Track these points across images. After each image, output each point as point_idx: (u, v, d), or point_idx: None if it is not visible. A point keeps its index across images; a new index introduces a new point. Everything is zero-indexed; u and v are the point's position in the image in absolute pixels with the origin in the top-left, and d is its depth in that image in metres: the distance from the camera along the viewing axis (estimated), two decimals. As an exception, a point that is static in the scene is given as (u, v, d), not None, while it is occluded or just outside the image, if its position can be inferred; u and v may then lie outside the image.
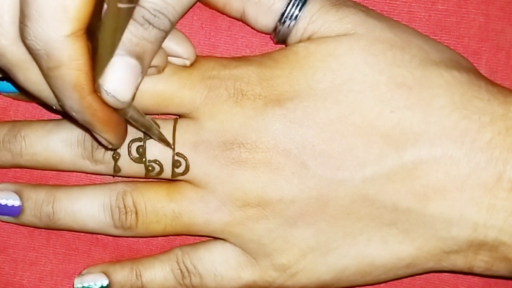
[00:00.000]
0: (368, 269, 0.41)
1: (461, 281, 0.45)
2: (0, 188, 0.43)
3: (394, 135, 0.39)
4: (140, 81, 0.37)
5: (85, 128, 0.38)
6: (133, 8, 0.36)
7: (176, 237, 0.44)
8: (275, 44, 0.42)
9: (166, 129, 0.41)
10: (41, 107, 0.44)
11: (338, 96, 0.39)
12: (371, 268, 0.41)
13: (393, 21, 0.41)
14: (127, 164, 0.41)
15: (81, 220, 0.42)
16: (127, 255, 0.44)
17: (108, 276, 0.43)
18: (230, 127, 0.40)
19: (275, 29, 0.41)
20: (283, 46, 0.42)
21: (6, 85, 0.42)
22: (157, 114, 0.42)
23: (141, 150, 0.41)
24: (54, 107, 0.38)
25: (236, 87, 0.40)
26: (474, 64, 0.42)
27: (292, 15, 0.40)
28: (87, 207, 0.42)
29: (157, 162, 0.41)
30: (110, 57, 0.36)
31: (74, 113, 0.36)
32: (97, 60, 0.35)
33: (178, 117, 0.41)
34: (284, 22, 0.40)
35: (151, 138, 0.40)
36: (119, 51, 0.36)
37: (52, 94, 0.36)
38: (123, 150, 0.41)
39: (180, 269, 0.42)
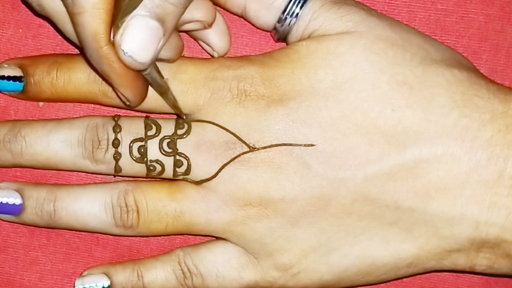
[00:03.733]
0: (370, 269, 0.41)
1: (462, 280, 0.45)
2: (1, 187, 0.43)
3: (395, 134, 0.39)
4: (162, 44, 0.37)
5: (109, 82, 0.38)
6: None
7: (177, 237, 0.44)
8: (276, 42, 0.42)
9: (167, 129, 0.41)
10: (41, 108, 0.44)
11: (339, 95, 0.39)
12: (373, 268, 0.41)
13: (393, 20, 0.41)
14: (128, 164, 0.41)
15: (82, 219, 0.42)
16: (128, 255, 0.44)
17: (109, 277, 0.42)
18: (232, 127, 0.40)
19: (276, 26, 0.41)
20: (284, 44, 0.42)
21: (6, 84, 0.42)
22: (159, 113, 0.42)
23: (142, 150, 0.41)
24: None
25: (240, 88, 0.40)
26: (474, 64, 0.42)
27: (293, 13, 0.40)
28: (89, 206, 0.42)
29: (159, 162, 0.41)
30: (131, 12, 0.36)
31: (93, 63, 0.37)
32: (117, 12, 0.36)
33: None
34: (285, 19, 0.40)
35: (164, 99, 0.40)
36: (139, 11, 0.36)
37: None
38: (124, 150, 0.41)
39: (182, 270, 0.42)
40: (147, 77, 0.39)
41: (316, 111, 0.39)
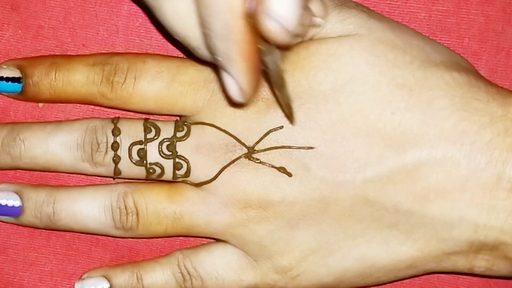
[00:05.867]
0: (369, 271, 0.41)
1: (461, 281, 0.45)
2: (0, 189, 0.43)
3: (394, 137, 0.39)
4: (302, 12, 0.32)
5: (217, 70, 0.35)
6: None
7: (177, 238, 0.44)
8: (276, 45, 0.42)
9: (167, 132, 0.41)
10: (40, 109, 0.44)
11: (339, 98, 0.39)
12: (372, 270, 0.41)
13: (394, 22, 0.41)
14: (127, 167, 0.41)
15: (82, 221, 0.42)
16: (127, 256, 0.44)
17: (109, 280, 0.43)
18: (232, 130, 0.40)
19: (276, 29, 0.40)
20: (284, 47, 0.42)
21: (5, 85, 0.42)
22: (158, 115, 0.42)
23: (141, 153, 0.41)
24: (200, 51, 0.35)
25: None
26: (474, 65, 0.42)
27: (293, 16, 0.40)
28: (88, 208, 0.42)
29: (158, 165, 0.41)
30: None
31: (217, 41, 0.33)
32: None
33: (179, 118, 0.41)
34: (286, 23, 0.40)
35: (277, 94, 0.36)
36: None
37: (198, 33, 0.34)
38: (123, 153, 0.41)
39: (181, 272, 0.42)
40: (269, 62, 0.34)
41: (316, 114, 0.39)
